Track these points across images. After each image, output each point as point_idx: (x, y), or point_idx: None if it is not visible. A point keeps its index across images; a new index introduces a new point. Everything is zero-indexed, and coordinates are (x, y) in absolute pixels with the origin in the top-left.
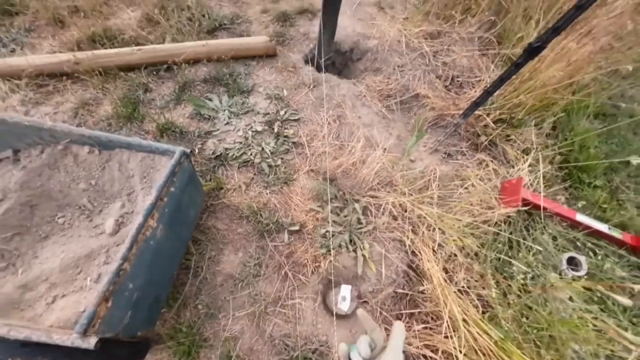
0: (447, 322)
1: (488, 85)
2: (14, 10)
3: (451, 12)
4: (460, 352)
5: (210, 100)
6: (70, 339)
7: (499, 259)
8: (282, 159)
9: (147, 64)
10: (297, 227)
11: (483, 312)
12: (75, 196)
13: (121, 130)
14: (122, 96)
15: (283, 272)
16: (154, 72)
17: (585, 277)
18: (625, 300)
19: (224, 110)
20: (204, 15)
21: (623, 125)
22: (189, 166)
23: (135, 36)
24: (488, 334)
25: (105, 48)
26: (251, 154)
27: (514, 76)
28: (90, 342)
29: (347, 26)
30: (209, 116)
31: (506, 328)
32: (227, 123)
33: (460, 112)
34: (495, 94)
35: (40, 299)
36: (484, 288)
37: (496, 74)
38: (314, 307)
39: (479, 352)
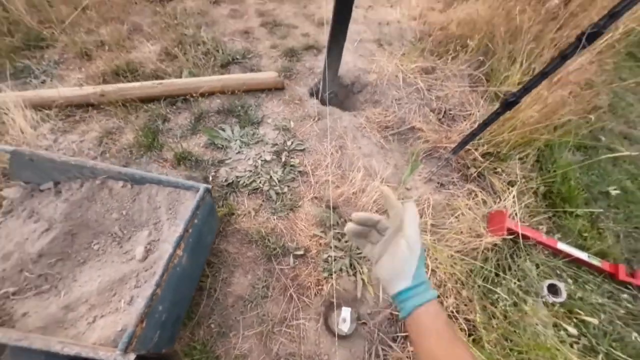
0: None
1: (476, 122)
2: (44, 44)
3: (445, 49)
4: None
5: (224, 130)
6: (114, 355)
7: (485, 282)
8: (288, 186)
9: (166, 96)
10: (301, 252)
11: (469, 335)
12: (108, 225)
13: (142, 158)
14: (142, 126)
15: (288, 294)
16: (172, 104)
17: (562, 303)
18: (593, 320)
19: (236, 140)
20: (218, 50)
21: (603, 157)
22: (210, 199)
23: (155, 69)
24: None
25: (128, 80)
26: (260, 182)
27: (496, 120)
28: (130, 359)
29: (349, 61)
30: (222, 146)
31: (489, 351)
32: (239, 152)
33: (452, 144)
34: (485, 129)
35: (82, 318)
36: (471, 312)
37: (485, 109)
38: (317, 327)
39: None
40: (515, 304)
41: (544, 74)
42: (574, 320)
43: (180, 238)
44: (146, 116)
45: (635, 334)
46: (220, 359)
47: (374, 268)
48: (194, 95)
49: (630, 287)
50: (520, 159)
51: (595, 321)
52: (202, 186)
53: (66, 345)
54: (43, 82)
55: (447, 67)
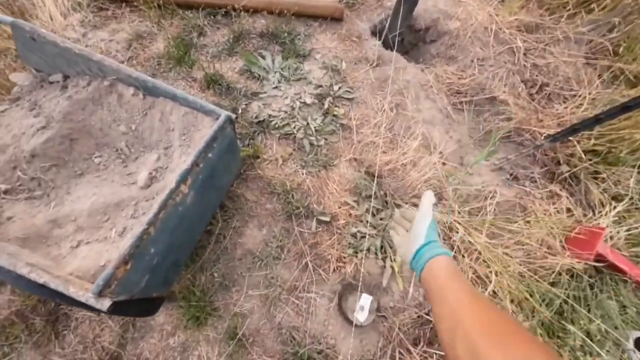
0: None
1: (582, 106)
2: None
3: (562, 2)
4: None
5: (264, 58)
6: (85, 296)
7: (551, 312)
8: (326, 139)
9: (206, 4)
10: (327, 218)
11: None
12: (114, 137)
13: (170, 72)
14: (176, 35)
15: (304, 262)
16: (212, 15)
17: None
18: None
19: (275, 72)
20: None
21: None
22: (231, 132)
23: None
24: None
25: None
26: (295, 127)
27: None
28: (104, 305)
29: (428, 0)
30: (259, 75)
31: None
32: (276, 87)
33: (543, 129)
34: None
35: (66, 239)
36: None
37: (600, 92)
38: (329, 307)
39: None
40: (589, 354)
41: None
42: None
43: (187, 172)
44: (181, 25)
45: None
46: (219, 311)
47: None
48: (237, 8)
49: None
50: (639, 167)
51: None
52: (224, 113)
53: (34, 270)
54: None
55: (559, 26)
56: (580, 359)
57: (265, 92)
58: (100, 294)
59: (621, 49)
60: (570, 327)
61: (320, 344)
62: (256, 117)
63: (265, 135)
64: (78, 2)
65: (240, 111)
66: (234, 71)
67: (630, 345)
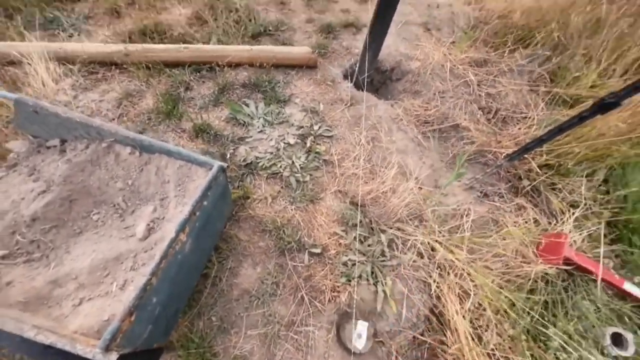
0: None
1: (532, 127)
2: None
3: (502, 40)
4: None
5: (247, 105)
6: (93, 352)
7: (532, 320)
8: (310, 175)
9: (191, 63)
10: (318, 250)
11: None
12: (111, 194)
13: (159, 125)
14: (164, 91)
15: (299, 296)
16: (197, 72)
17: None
18: None
19: (259, 118)
20: (250, 19)
21: None
22: (224, 180)
23: (183, 33)
24: None
25: (155, 42)
26: (281, 167)
27: (576, 126)
28: (111, 359)
29: (391, 45)
30: (244, 122)
31: None
32: (261, 131)
33: (502, 150)
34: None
35: (68, 297)
36: (514, 352)
37: (545, 113)
38: (327, 338)
39: None
40: (568, 353)
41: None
42: None
43: (185, 221)
44: (169, 82)
45: None
46: (218, 356)
47: None
48: (220, 64)
49: None
50: (587, 175)
51: None
52: (217, 163)
53: (41, 332)
54: (70, 35)
55: (503, 60)
56: (564, 356)
57: (251, 137)
58: (107, 349)
59: (556, 77)
60: (551, 329)
61: None
62: (244, 160)
63: (254, 176)
64: (69, 69)
65: (228, 156)
66: (220, 120)
67: (608, 341)
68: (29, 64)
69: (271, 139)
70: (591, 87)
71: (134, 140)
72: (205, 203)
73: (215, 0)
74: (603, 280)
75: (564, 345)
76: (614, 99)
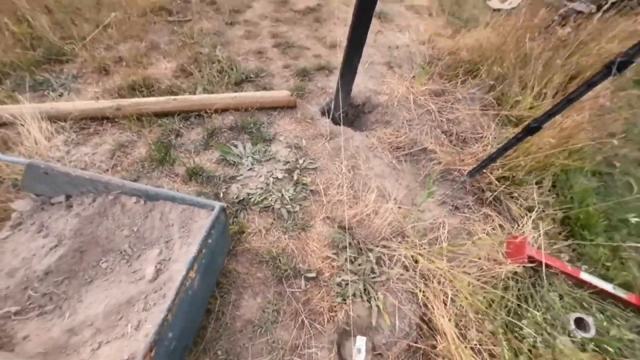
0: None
1: (488, 145)
2: (64, 58)
3: (454, 73)
4: None
5: (236, 146)
6: None
7: (508, 314)
8: (300, 205)
9: (180, 112)
10: (313, 274)
11: None
12: (118, 242)
13: (153, 172)
14: (155, 140)
15: (300, 320)
16: (186, 119)
17: (590, 339)
18: None
19: (248, 157)
20: (232, 69)
21: (620, 183)
22: (224, 219)
23: (170, 85)
24: None
25: (144, 95)
26: (272, 200)
27: (515, 145)
28: None
29: (360, 83)
30: (234, 162)
31: None
32: (250, 169)
33: (466, 167)
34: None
35: (85, 344)
36: (495, 345)
37: (497, 132)
38: (330, 357)
39: None
40: (542, 339)
41: (569, 100)
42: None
43: (194, 259)
44: (159, 130)
45: None
46: None
47: None
48: (208, 111)
49: None
50: (537, 183)
51: None
52: (218, 205)
53: None
54: (60, 95)
55: (457, 90)
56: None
57: (242, 175)
58: None
59: (501, 101)
60: (524, 320)
61: None
62: (237, 197)
63: (247, 212)
64: (61, 126)
65: (222, 195)
66: (211, 162)
67: (572, 326)
68: (21, 124)
69: (260, 176)
70: (530, 108)
71: (140, 191)
72: (209, 241)
73: (199, 54)
74: (563, 272)
75: (535, 334)
76: (536, 124)
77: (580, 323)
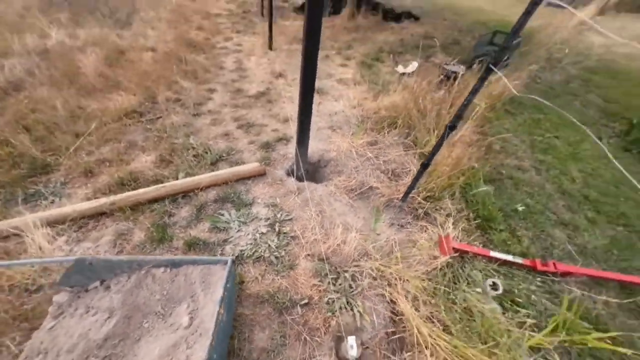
0: (416, 335)
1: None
2: (49, 169)
3: (381, 126)
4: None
5: (223, 215)
6: None
7: (446, 290)
8: (285, 250)
9: (169, 196)
10: (306, 301)
11: (443, 330)
12: (153, 305)
13: (155, 250)
14: (152, 223)
15: (302, 338)
16: (174, 201)
17: (502, 294)
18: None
19: (235, 221)
20: (206, 152)
21: (507, 184)
22: (234, 269)
23: (153, 174)
24: (445, 341)
25: (133, 188)
26: (261, 251)
27: (422, 175)
28: None
29: (313, 145)
30: (224, 227)
31: (455, 334)
32: (239, 230)
33: (401, 195)
34: (419, 181)
35: None
36: (438, 312)
37: (417, 166)
38: (332, 358)
39: (443, 352)
40: (465, 300)
41: (439, 145)
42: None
43: (221, 299)
44: (153, 215)
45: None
46: None
47: None
48: (194, 191)
49: (547, 274)
50: (450, 196)
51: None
52: (229, 259)
53: None
54: (52, 202)
55: (385, 139)
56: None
57: (232, 237)
58: None
59: (416, 143)
60: (456, 292)
61: None
62: (232, 255)
63: (243, 265)
64: (61, 229)
65: (219, 256)
66: (204, 231)
67: (488, 288)
68: (27, 235)
69: (248, 234)
70: None
71: (167, 262)
72: (228, 285)
73: (174, 144)
74: (479, 254)
75: (464, 300)
76: (426, 162)
77: (494, 285)
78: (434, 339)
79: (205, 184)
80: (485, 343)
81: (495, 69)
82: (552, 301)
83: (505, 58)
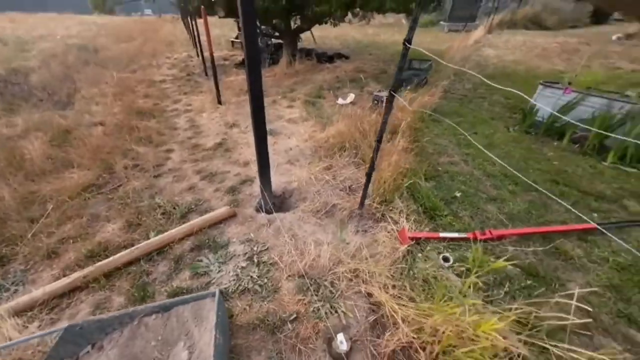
0: (392, 314)
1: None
2: (5, 261)
3: (333, 152)
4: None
5: (201, 261)
6: None
7: (411, 273)
8: (266, 277)
9: (141, 255)
10: (294, 316)
11: (410, 301)
12: (149, 352)
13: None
14: (131, 285)
15: (297, 349)
16: (150, 260)
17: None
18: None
19: (214, 264)
20: (174, 208)
21: (445, 177)
22: (222, 299)
23: (123, 240)
24: (412, 308)
25: (104, 257)
26: (244, 283)
27: (369, 183)
28: None
29: (276, 180)
30: (204, 272)
31: (419, 301)
32: (220, 271)
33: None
34: (369, 191)
35: None
36: (404, 291)
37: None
38: (327, 358)
39: (412, 316)
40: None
41: (375, 156)
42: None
43: (216, 325)
44: (130, 277)
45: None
46: None
47: None
48: (168, 245)
49: (487, 241)
50: (399, 197)
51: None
52: (217, 290)
53: None
54: (15, 291)
55: (338, 162)
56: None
57: (215, 278)
58: None
59: (364, 160)
60: (415, 269)
61: None
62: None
63: (229, 300)
64: (30, 315)
65: None
66: (186, 280)
67: (441, 261)
68: None
69: (229, 272)
70: None
71: (159, 307)
72: (219, 313)
73: (140, 207)
74: (431, 238)
75: (423, 275)
76: (369, 171)
77: (446, 259)
78: (404, 311)
79: (179, 236)
80: (441, 300)
81: (396, 94)
82: (490, 257)
83: (424, 79)
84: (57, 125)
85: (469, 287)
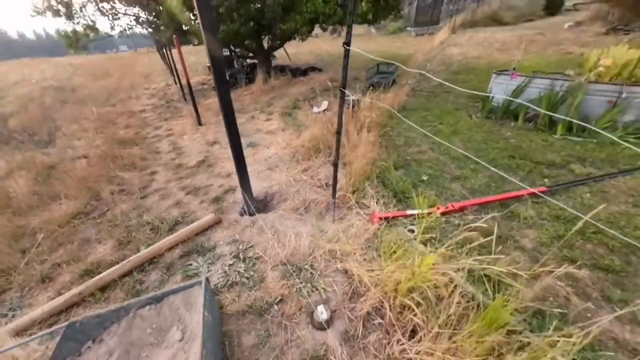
0: (364, 282)
1: (333, 177)
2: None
3: (308, 155)
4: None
5: (191, 265)
6: None
7: (380, 247)
8: (253, 270)
9: (133, 267)
10: (279, 299)
11: (379, 267)
12: (146, 339)
13: None
14: (125, 295)
15: (283, 325)
16: (142, 270)
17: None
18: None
19: (203, 265)
20: (162, 223)
21: (413, 165)
22: (209, 286)
23: (115, 257)
24: (379, 270)
25: (97, 274)
26: (232, 278)
27: (337, 172)
28: None
29: (257, 186)
30: (195, 273)
31: (385, 266)
32: (209, 271)
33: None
34: (343, 183)
35: None
36: (374, 261)
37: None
38: (310, 329)
39: (380, 277)
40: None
41: (337, 147)
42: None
43: (204, 304)
44: (124, 287)
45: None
46: None
47: None
48: (157, 256)
49: (450, 214)
50: (370, 184)
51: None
52: (203, 278)
53: None
54: (14, 315)
55: (314, 163)
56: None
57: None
58: None
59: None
60: (384, 244)
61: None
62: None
63: (220, 295)
64: (30, 333)
65: None
66: (178, 282)
67: (407, 234)
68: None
69: (218, 270)
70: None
71: (151, 299)
72: (207, 297)
73: (129, 227)
74: (398, 216)
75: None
76: (335, 161)
77: (411, 230)
78: (373, 277)
79: (168, 246)
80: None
81: (346, 91)
82: (454, 229)
83: (391, 81)
84: (40, 162)
85: (425, 243)
